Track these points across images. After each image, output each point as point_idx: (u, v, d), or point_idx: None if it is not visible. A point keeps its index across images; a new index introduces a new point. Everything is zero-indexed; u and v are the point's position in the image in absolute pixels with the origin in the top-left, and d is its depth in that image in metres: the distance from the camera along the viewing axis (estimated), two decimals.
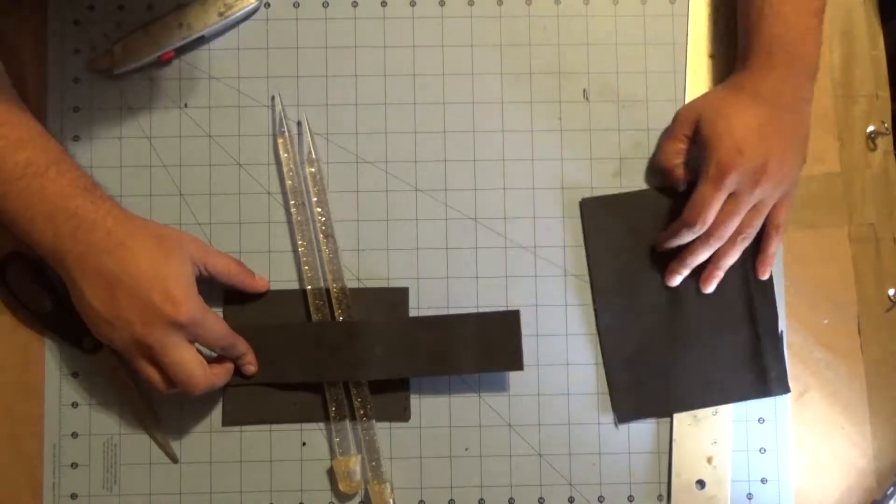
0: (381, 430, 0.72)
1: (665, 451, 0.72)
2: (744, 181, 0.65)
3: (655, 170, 0.73)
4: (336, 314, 0.70)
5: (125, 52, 0.71)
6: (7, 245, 0.71)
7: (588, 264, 0.73)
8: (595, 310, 0.73)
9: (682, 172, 0.71)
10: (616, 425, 0.72)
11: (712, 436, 0.72)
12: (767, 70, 0.67)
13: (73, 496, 0.71)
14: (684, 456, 0.72)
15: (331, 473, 0.71)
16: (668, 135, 0.71)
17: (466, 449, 0.72)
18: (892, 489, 0.72)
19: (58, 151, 0.63)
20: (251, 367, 0.69)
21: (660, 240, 0.71)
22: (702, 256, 0.69)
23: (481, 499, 0.72)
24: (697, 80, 0.74)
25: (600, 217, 0.73)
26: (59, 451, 0.71)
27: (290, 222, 0.72)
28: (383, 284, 0.72)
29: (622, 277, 0.73)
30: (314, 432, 0.72)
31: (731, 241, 0.68)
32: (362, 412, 0.70)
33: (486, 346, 0.69)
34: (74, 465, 0.71)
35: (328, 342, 0.69)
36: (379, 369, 0.69)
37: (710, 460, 0.72)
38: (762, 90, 0.67)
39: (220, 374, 0.67)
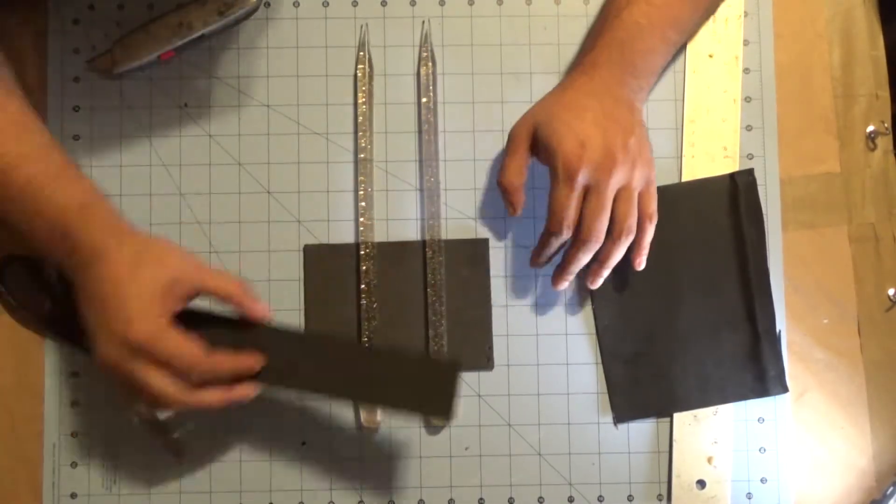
0: (382, 430, 0.72)
1: (665, 450, 0.72)
2: (596, 173, 0.63)
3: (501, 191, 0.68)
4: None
5: (125, 52, 0.71)
6: (4, 247, 0.71)
7: None
8: (594, 310, 0.73)
9: (522, 195, 0.67)
10: (615, 425, 0.72)
11: (713, 435, 0.72)
12: (602, 69, 0.67)
13: (73, 496, 0.71)
14: (685, 456, 0.72)
15: (330, 472, 0.71)
16: (507, 153, 0.68)
17: (466, 448, 0.72)
18: (891, 489, 0.72)
19: (59, 165, 0.63)
20: (244, 390, 0.61)
21: (533, 256, 0.70)
22: (583, 261, 0.67)
23: (481, 498, 0.72)
24: (697, 80, 0.74)
25: None
26: (58, 451, 0.71)
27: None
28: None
29: (620, 277, 0.73)
30: (314, 432, 0.72)
31: (614, 240, 0.66)
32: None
33: (420, 387, 0.65)
34: (74, 465, 0.71)
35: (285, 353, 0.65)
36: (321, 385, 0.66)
37: (710, 460, 0.72)
38: (594, 86, 0.67)
39: (209, 395, 0.60)
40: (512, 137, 0.68)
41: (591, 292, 0.73)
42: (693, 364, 0.72)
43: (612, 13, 0.69)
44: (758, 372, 0.72)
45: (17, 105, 0.64)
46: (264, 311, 0.62)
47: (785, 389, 0.72)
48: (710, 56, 0.75)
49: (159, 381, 0.58)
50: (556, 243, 0.67)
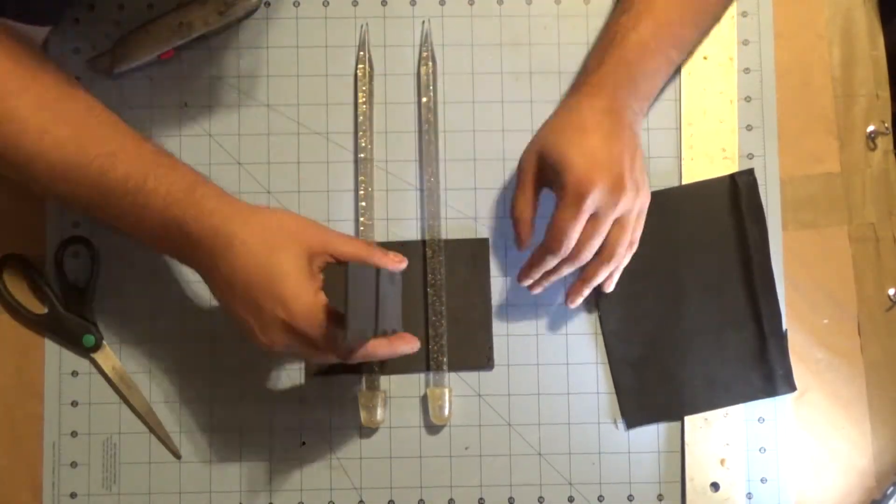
0: (382, 430, 0.72)
1: (665, 450, 0.72)
2: (604, 198, 0.63)
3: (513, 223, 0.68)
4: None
5: (125, 52, 0.71)
6: (2, 248, 0.71)
7: None
8: (599, 315, 0.73)
9: (532, 229, 0.67)
10: (627, 429, 0.72)
11: (725, 437, 0.72)
12: (607, 90, 0.66)
13: (73, 495, 0.71)
14: (697, 459, 0.72)
15: (330, 472, 0.71)
16: (517, 185, 0.67)
17: (466, 448, 0.72)
18: (892, 489, 0.72)
19: (151, 154, 0.62)
20: (403, 344, 0.64)
21: (523, 272, 0.68)
22: (564, 273, 0.67)
23: (481, 498, 0.72)
24: (693, 82, 0.74)
25: None
26: (58, 451, 0.71)
27: None
28: None
29: (625, 281, 0.72)
30: (314, 431, 0.72)
31: (601, 262, 0.67)
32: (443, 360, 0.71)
33: None
34: (74, 465, 0.71)
35: None
36: None
37: (723, 462, 0.72)
38: (600, 108, 0.66)
39: (376, 346, 0.62)
40: (520, 167, 0.68)
41: (597, 297, 0.72)
42: (701, 366, 0.72)
43: (619, 33, 0.67)
44: (765, 371, 0.72)
45: (93, 101, 0.63)
46: (398, 260, 0.64)
47: (793, 388, 0.72)
48: (705, 58, 0.75)
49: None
50: (552, 262, 0.66)
